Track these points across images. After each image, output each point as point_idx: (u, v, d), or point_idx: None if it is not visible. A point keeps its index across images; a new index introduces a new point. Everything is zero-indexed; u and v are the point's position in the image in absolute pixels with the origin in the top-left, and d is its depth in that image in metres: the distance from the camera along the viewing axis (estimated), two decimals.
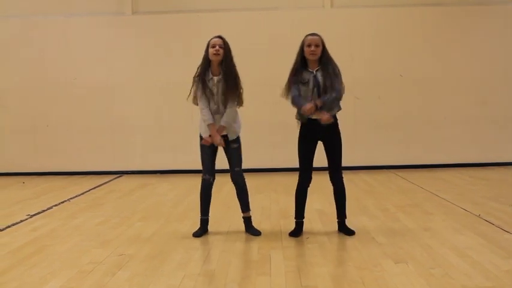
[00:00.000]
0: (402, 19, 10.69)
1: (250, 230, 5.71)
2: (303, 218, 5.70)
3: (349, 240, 5.35)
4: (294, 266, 4.55)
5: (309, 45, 5.63)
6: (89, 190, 8.97)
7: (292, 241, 5.39)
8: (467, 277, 4.11)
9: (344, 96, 11.32)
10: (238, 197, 5.82)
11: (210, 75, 5.68)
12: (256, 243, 5.35)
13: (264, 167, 10.51)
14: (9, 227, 6.29)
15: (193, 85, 5.75)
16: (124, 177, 10.51)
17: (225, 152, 5.75)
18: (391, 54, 10.67)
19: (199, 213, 5.77)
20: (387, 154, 10.68)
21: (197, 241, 5.47)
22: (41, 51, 10.90)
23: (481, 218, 6.15)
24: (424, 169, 10.49)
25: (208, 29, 10.62)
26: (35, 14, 10.91)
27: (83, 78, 10.85)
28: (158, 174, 10.71)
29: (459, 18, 10.67)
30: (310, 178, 5.66)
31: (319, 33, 5.70)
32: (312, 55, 5.60)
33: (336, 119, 5.65)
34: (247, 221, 5.79)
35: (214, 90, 5.69)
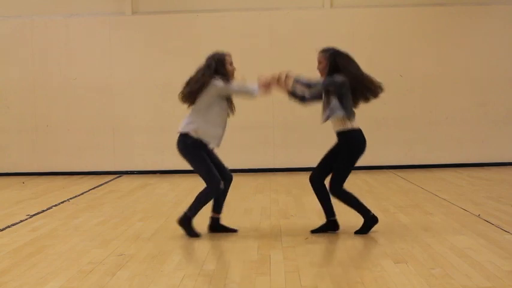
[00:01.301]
0: (402, 19, 10.68)
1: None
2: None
3: (349, 240, 5.35)
4: (294, 266, 4.55)
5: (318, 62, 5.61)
6: (89, 190, 8.97)
7: (291, 241, 5.38)
8: (467, 277, 4.11)
9: None
10: (225, 196, 5.79)
11: None
12: (256, 243, 5.35)
13: (264, 167, 10.51)
14: (9, 227, 6.29)
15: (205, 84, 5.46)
16: (124, 177, 10.51)
17: (211, 158, 5.66)
18: (391, 54, 10.67)
19: (195, 213, 5.70)
20: (387, 154, 10.68)
21: (197, 241, 5.46)
22: (41, 51, 10.89)
23: (481, 218, 6.15)
24: (424, 169, 10.49)
25: (208, 29, 10.69)
26: (35, 14, 10.92)
27: (83, 78, 10.85)
28: (158, 175, 10.71)
29: (459, 18, 10.67)
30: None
31: (327, 49, 5.59)
32: (319, 72, 5.56)
33: (348, 138, 5.54)
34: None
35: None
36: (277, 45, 10.64)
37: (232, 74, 5.58)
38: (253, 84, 5.48)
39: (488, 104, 10.69)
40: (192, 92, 5.49)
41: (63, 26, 10.90)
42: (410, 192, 8.13)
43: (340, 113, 5.44)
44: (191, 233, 5.58)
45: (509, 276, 4.13)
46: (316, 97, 5.59)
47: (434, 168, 10.51)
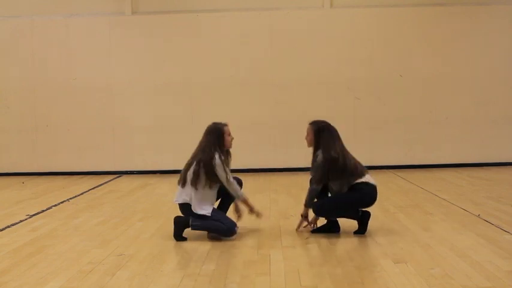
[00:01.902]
0: (402, 19, 10.68)
1: None
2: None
3: (349, 241, 5.35)
4: (294, 266, 4.55)
5: None
6: (89, 190, 8.97)
7: (291, 241, 5.39)
8: (467, 277, 4.11)
9: (344, 96, 11.33)
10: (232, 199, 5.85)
11: None
12: (255, 243, 5.35)
13: (264, 167, 10.51)
14: (9, 227, 6.29)
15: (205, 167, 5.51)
16: (124, 177, 10.51)
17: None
18: (390, 54, 10.67)
19: (197, 228, 5.63)
20: (387, 154, 10.68)
21: (197, 241, 5.46)
22: (41, 51, 10.89)
23: (480, 218, 6.15)
24: (424, 169, 10.49)
25: (208, 29, 10.70)
26: (35, 14, 10.91)
27: (83, 78, 10.85)
28: (158, 174, 10.71)
29: (459, 18, 10.66)
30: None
31: (315, 122, 5.72)
32: (306, 142, 5.75)
33: (356, 188, 5.56)
34: None
35: None
36: (277, 45, 10.64)
37: (230, 144, 5.74)
38: (240, 192, 5.70)
39: (488, 104, 10.69)
40: (203, 174, 5.50)
41: (63, 26, 10.90)
42: (410, 192, 8.13)
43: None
44: (179, 237, 5.55)
45: (509, 276, 4.13)
46: (317, 194, 5.63)
47: (434, 168, 10.51)
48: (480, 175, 9.57)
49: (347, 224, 5.74)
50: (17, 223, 6.47)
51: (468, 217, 6.24)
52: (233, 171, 5.94)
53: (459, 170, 10.26)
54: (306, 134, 5.76)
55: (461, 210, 6.61)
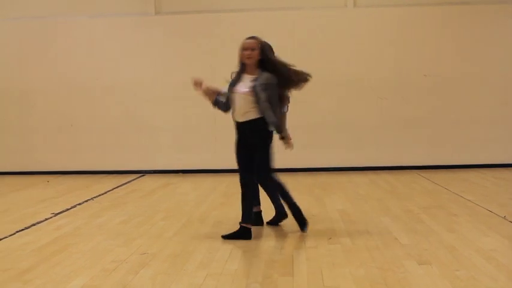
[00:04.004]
0: (426, 18, 10.57)
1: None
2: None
3: (372, 241, 5.31)
4: (316, 266, 4.53)
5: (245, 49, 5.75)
6: (112, 189, 9.04)
7: (314, 241, 5.36)
8: (493, 279, 4.06)
9: (368, 96, 11.25)
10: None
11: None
12: (278, 243, 5.34)
13: (288, 167, 10.48)
14: (34, 225, 6.37)
15: None
16: (146, 177, 10.57)
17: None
18: (415, 54, 10.56)
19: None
20: (411, 155, 10.58)
21: (219, 241, 5.47)
22: (66, 52, 11.00)
23: (506, 219, 6.06)
24: (449, 170, 10.37)
25: (231, 28, 10.70)
26: (59, 14, 11.02)
27: (106, 78, 10.93)
28: (180, 174, 10.75)
29: (484, 17, 10.52)
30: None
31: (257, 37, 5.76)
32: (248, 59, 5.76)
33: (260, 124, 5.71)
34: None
35: None
36: (300, 45, 10.58)
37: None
38: None
39: None
40: None
41: (87, 27, 11.00)
42: (434, 193, 8.05)
43: None
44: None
45: None
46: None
47: (458, 169, 10.39)
48: (505, 176, 9.44)
49: (370, 224, 5.70)
50: (42, 221, 6.56)
51: (494, 218, 6.16)
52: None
53: (483, 170, 10.12)
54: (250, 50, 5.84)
55: (486, 212, 6.53)
